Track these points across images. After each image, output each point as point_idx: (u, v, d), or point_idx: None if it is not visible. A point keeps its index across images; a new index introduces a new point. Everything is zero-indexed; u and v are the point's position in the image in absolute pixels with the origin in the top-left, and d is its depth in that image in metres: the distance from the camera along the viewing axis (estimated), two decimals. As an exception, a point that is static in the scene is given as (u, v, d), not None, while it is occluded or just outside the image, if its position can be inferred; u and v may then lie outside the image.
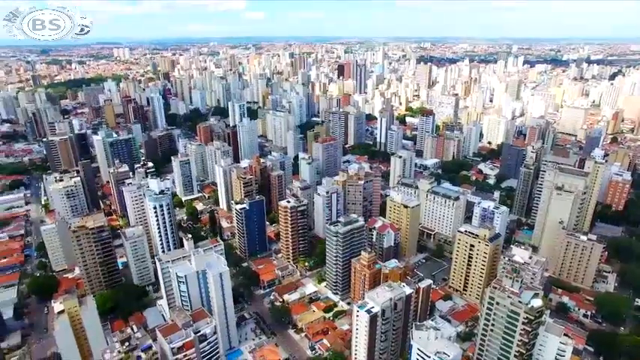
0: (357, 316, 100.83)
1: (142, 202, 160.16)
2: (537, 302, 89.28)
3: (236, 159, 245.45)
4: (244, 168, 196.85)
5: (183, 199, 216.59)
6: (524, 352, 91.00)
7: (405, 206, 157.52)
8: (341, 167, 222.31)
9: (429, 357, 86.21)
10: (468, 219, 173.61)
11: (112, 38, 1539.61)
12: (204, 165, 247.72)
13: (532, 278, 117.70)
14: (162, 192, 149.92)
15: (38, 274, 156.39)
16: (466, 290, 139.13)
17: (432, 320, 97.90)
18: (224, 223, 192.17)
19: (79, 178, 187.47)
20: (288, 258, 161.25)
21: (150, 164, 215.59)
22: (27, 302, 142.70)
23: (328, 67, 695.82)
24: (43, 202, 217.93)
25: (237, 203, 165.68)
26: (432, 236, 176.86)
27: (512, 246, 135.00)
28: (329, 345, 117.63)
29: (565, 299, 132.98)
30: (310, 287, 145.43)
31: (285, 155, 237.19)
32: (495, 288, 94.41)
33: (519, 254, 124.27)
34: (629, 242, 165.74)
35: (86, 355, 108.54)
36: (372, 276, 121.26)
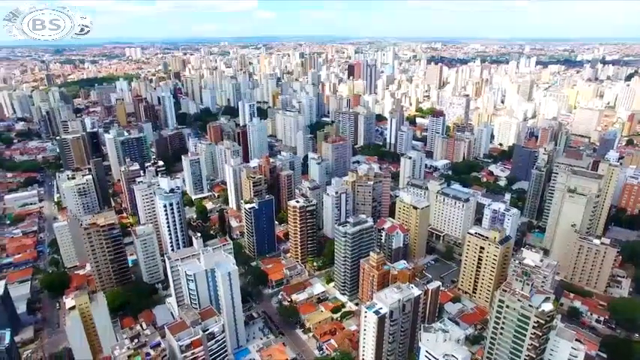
0: (365, 317, 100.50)
1: (152, 201, 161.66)
2: (548, 306, 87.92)
3: (246, 158, 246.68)
4: (254, 167, 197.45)
5: (193, 197, 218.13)
6: (535, 356, 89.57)
7: (415, 207, 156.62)
8: (350, 167, 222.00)
9: (437, 359, 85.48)
10: (478, 221, 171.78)
11: (127, 38, 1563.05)
12: (214, 164, 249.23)
13: (543, 282, 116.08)
14: (172, 190, 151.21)
15: (50, 271, 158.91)
16: (475, 293, 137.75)
17: (441, 322, 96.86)
18: (233, 222, 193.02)
19: (90, 176, 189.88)
20: (297, 258, 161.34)
21: (160, 163, 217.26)
22: (39, 297, 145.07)
23: (338, 67, 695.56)
24: (55, 200, 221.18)
25: (246, 203, 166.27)
26: (442, 238, 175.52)
27: (522, 249, 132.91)
28: (336, 345, 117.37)
29: (577, 304, 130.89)
30: (318, 287, 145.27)
31: (295, 155, 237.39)
32: (505, 291, 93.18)
33: (530, 257, 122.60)
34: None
35: (96, 350, 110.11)
36: (380, 277, 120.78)
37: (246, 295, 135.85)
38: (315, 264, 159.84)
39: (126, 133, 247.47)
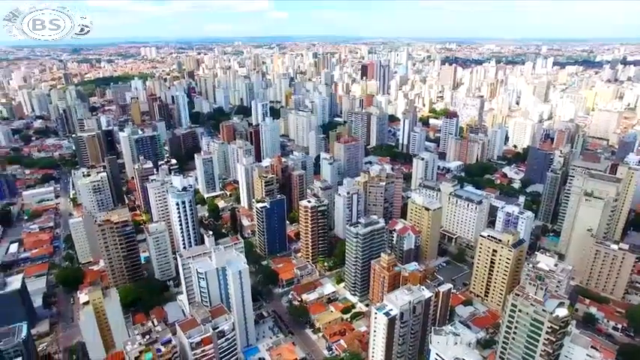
0: (375, 318, 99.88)
1: (165, 199, 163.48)
2: (562, 311, 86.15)
3: (258, 158, 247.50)
4: (266, 167, 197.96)
5: (205, 196, 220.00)
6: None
7: (427, 209, 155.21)
8: (362, 168, 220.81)
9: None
10: (491, 223, 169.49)
11: (142, 38, 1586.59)
12: (226, 163, 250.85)
13: (557, 286, 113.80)
14: (184, 189, 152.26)
15: (65, 266, 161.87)
16: (487, 296, 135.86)
17: (452, 325, 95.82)
18: (245, 221, 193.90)
19: (105, 174, 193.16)
20: (308, 257, 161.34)
21: (173, 161, 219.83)
22: (55, 292, 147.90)
23: (351, 67, 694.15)
24: (71, 196, 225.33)
25: (258, 202, 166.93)
26: (454, 240, 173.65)
27: (536, 252, 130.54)
28: (346, 346, 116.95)
29: (593, 310, 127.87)
30: (329, 287, 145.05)
31: (307, 155, 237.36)
32: (518, 295, 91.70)
33: (544, 261, 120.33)
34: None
35: (109, 345, 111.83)
36: (391, 278, 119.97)
37: (257, 294, 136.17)
38: (325, 264, 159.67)
39: (140, 132, 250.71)
